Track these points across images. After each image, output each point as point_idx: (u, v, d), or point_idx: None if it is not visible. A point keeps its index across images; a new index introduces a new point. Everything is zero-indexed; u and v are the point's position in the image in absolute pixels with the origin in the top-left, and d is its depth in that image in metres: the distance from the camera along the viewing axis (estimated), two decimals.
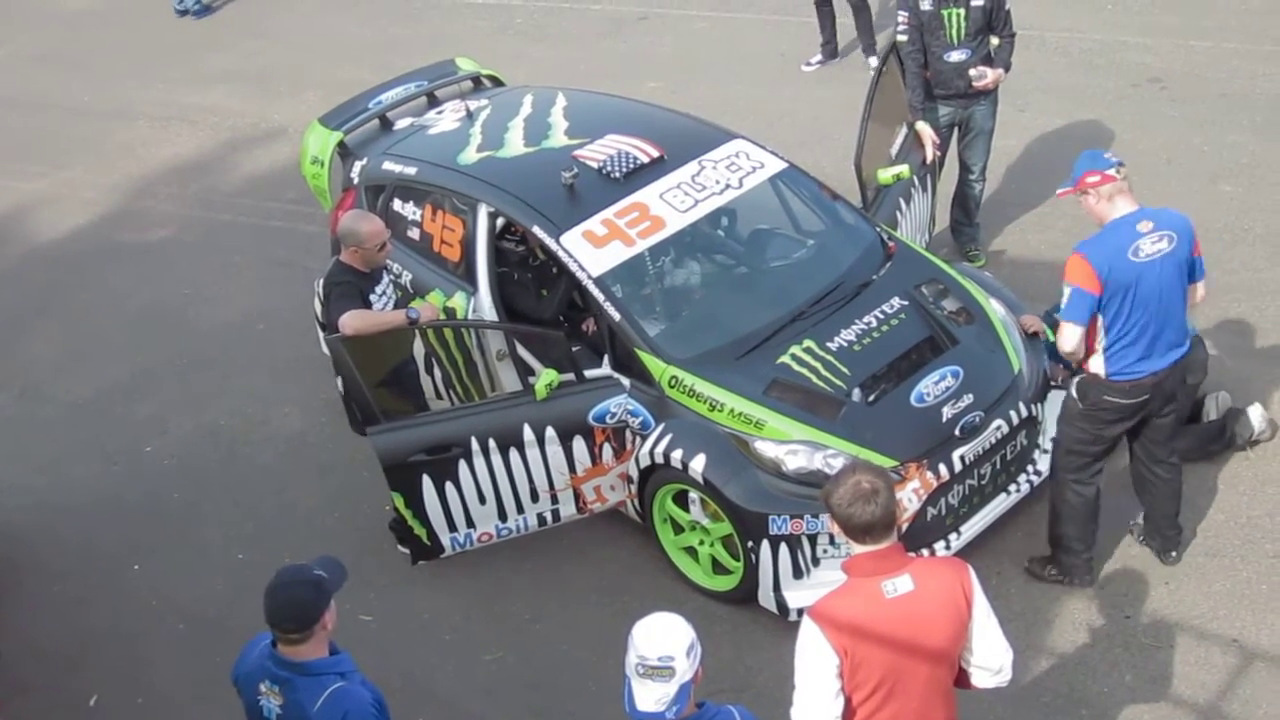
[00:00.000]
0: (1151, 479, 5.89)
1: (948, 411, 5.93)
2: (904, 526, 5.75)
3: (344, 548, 6.65)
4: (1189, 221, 5.45)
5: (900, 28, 7.59)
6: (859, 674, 3.80)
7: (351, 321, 6.02)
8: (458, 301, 6.68)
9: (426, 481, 6.13)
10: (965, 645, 3.95)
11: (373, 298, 6.24)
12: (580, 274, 6.27)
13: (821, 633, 3.78)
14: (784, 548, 5.77)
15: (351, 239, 6.24)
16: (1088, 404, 5.61)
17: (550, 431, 6.13)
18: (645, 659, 3.58)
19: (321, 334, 6.33)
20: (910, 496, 5.77)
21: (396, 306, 6.45)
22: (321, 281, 6.48)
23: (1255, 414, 6.41)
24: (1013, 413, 6.04)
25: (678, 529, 6.25)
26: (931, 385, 6.00)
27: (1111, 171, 5.32)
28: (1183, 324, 5.55)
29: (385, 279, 6.45)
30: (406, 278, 7.02)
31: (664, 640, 3.61)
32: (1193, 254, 5.46)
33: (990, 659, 3.98)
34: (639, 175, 6.57)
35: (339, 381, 6.36)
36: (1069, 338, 5.45)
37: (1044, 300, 7.60)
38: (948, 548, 5.93)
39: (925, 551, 5.83)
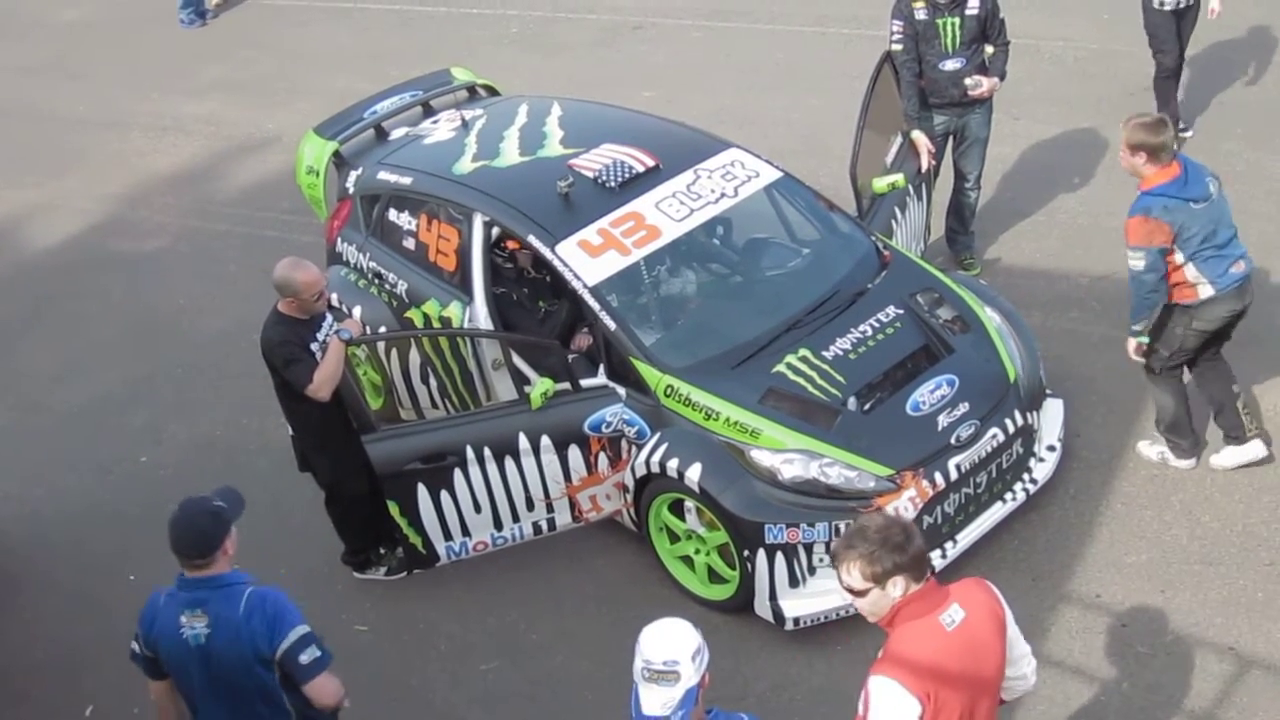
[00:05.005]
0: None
1: (943, 420, 5.94)
2: None
3: (338, 558, 6.66)
4: None
5: (895, 36, 7.61)
6: (940, 717, 3.68)
7: (322, 387, 5.91)
8: (453, 311, 6.68)
9: (422, 490, 6.12)
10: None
11: (314, 346, 6.00)
12: (576, 283, 6.27)
13: (901, 685, 3.63)
14: (780, 557, 5.77)
15: (288, 289, 5.94)
16: None
17: (546, 440, 6.13)
18: (650, 663, 3.58)
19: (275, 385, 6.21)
20: (906, 505, 5.77)
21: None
22: (261, 337, 6.08)
23: (1141, 447, 6.52)
24: (1008, 421, 6.04)
25: (674, 538, 6.25)
26: (927, 394, 6.01)
27: None
28: None
29: (325, 323, 6.15)
30: (402, 288, 7.03)
31: (669, 645, 3.61)
32: None
33: (1023, 664, 3.99)
34: (634, 184, 6.57)
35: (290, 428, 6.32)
36: None
37: (1039, 308, 7.63)
38: (943, 556, 5.93)
39: None
